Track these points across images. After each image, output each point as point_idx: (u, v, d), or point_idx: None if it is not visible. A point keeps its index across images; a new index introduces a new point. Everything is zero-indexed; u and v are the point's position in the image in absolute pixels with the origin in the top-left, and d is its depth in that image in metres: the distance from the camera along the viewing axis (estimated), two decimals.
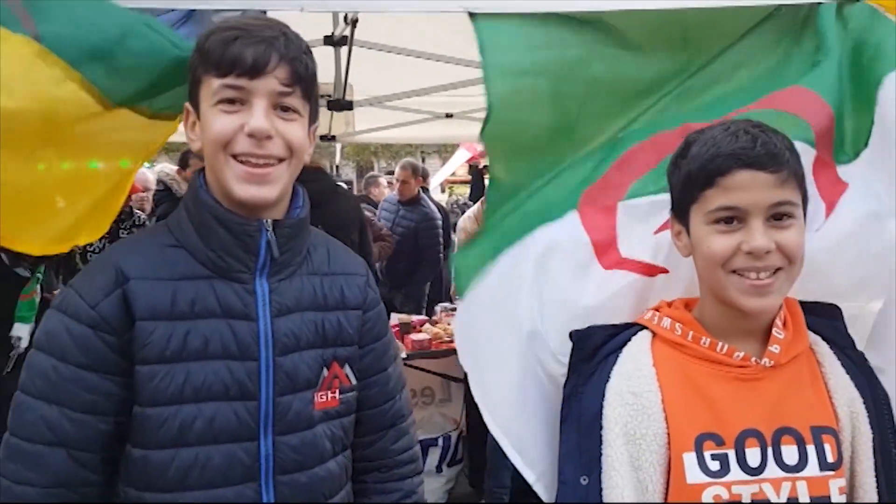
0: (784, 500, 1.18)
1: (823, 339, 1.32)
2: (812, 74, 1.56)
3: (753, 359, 1.25)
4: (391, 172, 7.56)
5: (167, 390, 1.18)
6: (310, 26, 2.51)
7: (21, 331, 2.92)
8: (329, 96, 3.74)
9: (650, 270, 1.50)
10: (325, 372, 1.31)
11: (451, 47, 3.66)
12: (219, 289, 1.22)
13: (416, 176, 5.95)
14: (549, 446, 1.45)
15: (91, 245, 3.70)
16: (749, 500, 1.18)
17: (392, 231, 5.72)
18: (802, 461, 1.20)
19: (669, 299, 1.39)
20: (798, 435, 1.21)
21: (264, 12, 1.55)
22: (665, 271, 1.49)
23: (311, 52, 1.25)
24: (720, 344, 1.26)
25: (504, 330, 1.52)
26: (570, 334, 1.38)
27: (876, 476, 1.23)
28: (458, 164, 10.56)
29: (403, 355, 3.82)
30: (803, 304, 1.33)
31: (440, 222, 6.05)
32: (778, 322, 1.26)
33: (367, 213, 4.94)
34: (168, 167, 5.40)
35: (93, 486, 1.20)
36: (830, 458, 1.21)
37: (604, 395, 1.27)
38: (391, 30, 3.58)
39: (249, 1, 1.53)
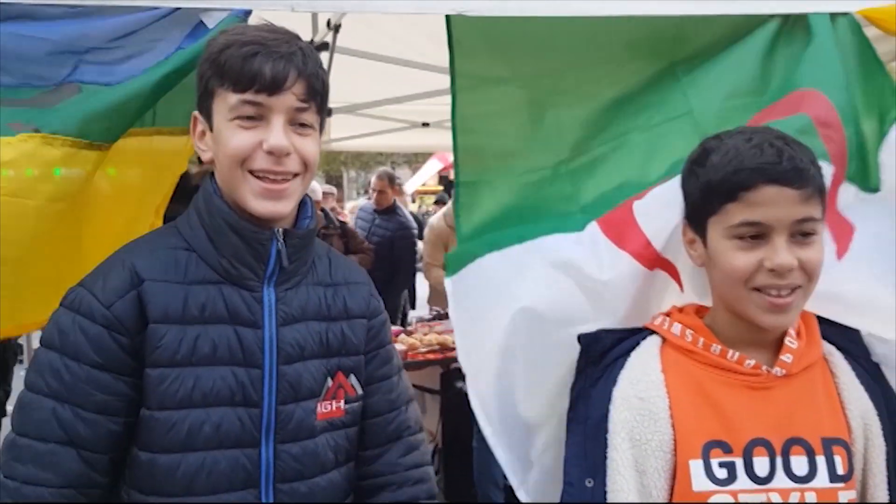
0: None
1: (838, 348, 1.30)
2: (812, 75, 1.53)
3: (765, 367, 1.23)
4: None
5: (177, 394, 1.18)
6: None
7: None
8: None
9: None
10: (330, 382, 1.30)
11: (430, 55, 3.64)
12: (228, 295, 1.22)
13: (392, 185, 5.97)
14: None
15: None
16: None
17: (367, 240, 5.69)
18: (812, 472, 1.18)
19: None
20: (808, 446, 1.19)
21: (250, 11, 1.52)
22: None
23: (323, 66, 1.25)
24: (731, 352, 1.24)
25: (499, 309, 1.51)
26: (579, 338, 1.36)
27: (889, 489, 1.21)
28: (429, 175, 10.58)
29: None
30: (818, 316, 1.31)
31: (416, 231, 6.09)
32: (791, 332, 1.24)
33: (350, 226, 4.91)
34: None
35: (99, 487, 1.20)
36: (841, 470, 1.19)
37: (611, 399, 1.26)
38: (370, 36, 3.55)
39: (239, 0, 1.51)
